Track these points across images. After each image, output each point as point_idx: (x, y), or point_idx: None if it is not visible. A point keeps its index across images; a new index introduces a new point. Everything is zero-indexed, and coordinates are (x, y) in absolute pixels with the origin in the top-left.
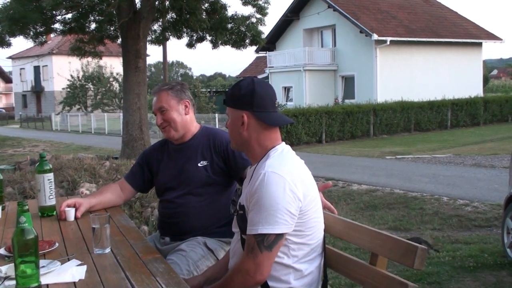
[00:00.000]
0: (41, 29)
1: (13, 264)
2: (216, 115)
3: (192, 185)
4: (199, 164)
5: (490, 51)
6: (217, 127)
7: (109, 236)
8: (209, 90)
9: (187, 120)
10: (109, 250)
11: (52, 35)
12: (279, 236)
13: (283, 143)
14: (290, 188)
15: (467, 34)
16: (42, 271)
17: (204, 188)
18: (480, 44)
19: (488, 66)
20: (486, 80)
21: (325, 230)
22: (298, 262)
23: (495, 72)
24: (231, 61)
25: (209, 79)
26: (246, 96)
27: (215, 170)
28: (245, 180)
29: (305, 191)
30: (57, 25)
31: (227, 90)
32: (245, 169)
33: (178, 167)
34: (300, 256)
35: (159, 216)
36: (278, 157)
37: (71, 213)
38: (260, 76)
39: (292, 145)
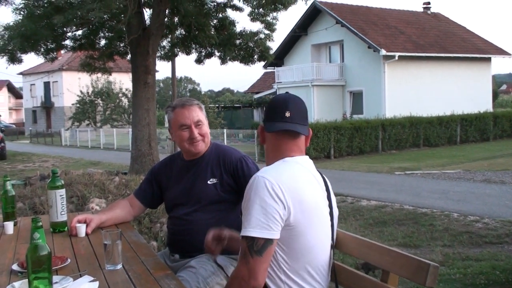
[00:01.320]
0: (52, 46)
1: (26, 280)
2: (225, 130)
3: (201, 202)
4: (208, 182)
5: (499, 66)
6: (225, 142)
7: (120, 252)
8: (217, 105)
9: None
10: (121, 266)
11: (62, 52)
12: (268, 241)
13: (300, 156)
14: (276, 193)
15: (476, 49)
16: (55, 287)
17: (213, 205)
18: (489, 59)
19: (497, 81)
20: (495, 95)
21: (334, 247)
22: (290, 280)
23: (504, 87)
24: (240, 77)
25: (217, 94)
26: (264, 111)
27: (224, 188)
28: None
29: (295, 201)
30: (67, 42)
31: (235, 105)
32: None
33: (188, 183)
34: (291, 272)
35: (168, 233)
36: (277, 165)
37: (82, 229)
38: (268, 92)
39: None
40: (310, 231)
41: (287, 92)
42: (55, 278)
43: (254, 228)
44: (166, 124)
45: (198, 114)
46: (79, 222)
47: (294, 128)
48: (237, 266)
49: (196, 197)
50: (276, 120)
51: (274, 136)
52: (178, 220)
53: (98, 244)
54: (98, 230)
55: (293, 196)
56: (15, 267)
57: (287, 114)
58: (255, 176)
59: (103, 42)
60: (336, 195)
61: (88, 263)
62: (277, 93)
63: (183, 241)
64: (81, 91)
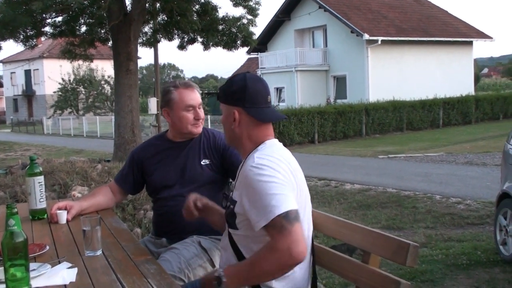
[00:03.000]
0: (31, 33)
1: (2, 268)
2: (209, 116)
3: (195, 183)
4: (202, 163)
5: (481, 49)
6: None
7: (100, 238)
8: (201, 92)
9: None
10: (101, 252)
11: (42, 39)
12: (297, 212)
13: (275, 139)
14: (283, 169)
15: (458, 33)
16: (32, 274)
17: (207, 186)
18: (470, 43)
19: (479, 64)
20: (477, 78)
21: (316, 229)
22: None
23: (486, 70)
24: (223, 63)
25: (201, 80)
26: (238, 92)
27: (215, 168)
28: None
29: (295, 180)
30: (47, 28)
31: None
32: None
33: (180, 165)
34: None
35: (154, 216)
36: (266, 149)
37: (62, 216)
38: None
39: (284, 145)
40: (302, 211)
41: (248, 72)
42: (33, 265)
43: (282, 203)
44: (152, 109)
45: (199, 96)
46: (60, 209)
47: (284, 117)
48: (276, 242)
49: (191, 178)
50: (262, 105)
51: (256, 122)
52: (168, 201)
53: (78, 231)
54: (79, 217)
55: (293, 174)
56: None
57: (269, 99)
58: (255, 163)
59: (83, 28)
60: (320, 179)
61: (68, 250)
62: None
63: (174, 222)
64: (62, 79)
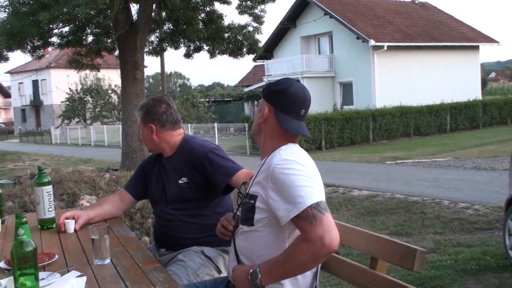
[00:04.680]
0: (38, 43)
1: (12, 277)
2: (215, 124)
3: (175, 201)
4: (180, 182)
5: (488, 54)
6: (216, 136)
7: (108, 247)
8: (207, 99)
9: (156, 141)
10: (109, 261)
11: (49, 49)
12: (325, 203)
13: (297, 144)
14: (309, 164)
15: (464, 37)
16: (41, 283)
17: (189, 203)
18: (477, 47)
19: (486, 69)
20: (484, 83)
21: None
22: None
23: (493, 75)
24: (229, 71)
25: (207, 89)
26: (277, 92)
27: (196, 186)
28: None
29: (318, 177)
30: (54, 39)
31: (225, 99)
32: (225, 183)
33: (163, 182)
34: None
35: (153, 228)
36: (291, 148)
37: (70, 225)
38: (258, 85)
39: None
40: None
41: (298, 80)
42: (42, 274)
43: (312, 194)
44: None
45: (138, 121)
46: (67, 218)
47: (308, 134)
48: (308, 232)
49: (171, 197)
50: (292, 116)
51: (279, 127)
52: (158, 217)
53: (86, 240)
54: (87, 226)
55: (317, 173)
56: (2, 264)
57: (302, 113)
58: (282, 158)
59: (90, 38)
60: (327, 185)
61: (76, 259)
62: None
63: (166, 236)
64: (70, 89)
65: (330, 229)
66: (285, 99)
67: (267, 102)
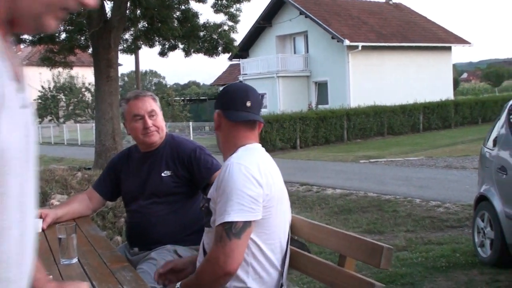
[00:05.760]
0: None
1: None
2: (190, 123)
3: (156, 194)
4: (162, 174)
5: (460, 55)
6: (191, 135)
7: (76, 246)
8: (183, 98)
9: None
10: (76, 260)
11: (21, 46)
12: (247, 223)
13: (256, 143)
14: (252, 175)
15: (437, 38)
16: None
17: (169, 197)
18: (449, 48)
19: (458, 69)
20: (456, 83)
21: (292, 233)
22: (256, 261)
23: (465, 75)
24: (205, 70)
25: (183, 87)
26: (220, 96)
27: (180, 180)
28: None
29: (269, 182)
30: (26, 36)
31: (201, 98)
32: (210, 178)
33: (143, 176)
34: (258, 255)
35: (126, 226)
36: (244, 151)
37: (37, 224)
38: None
39: (266, 151)
40: (277, 215)
41: (240, 81)
42: None
43: (236, 212)
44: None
45: (152, 104)
46: None
47: (258, 118)
48: (211, 251)
49: (151, 190)
50: (238, 109)
51: (233, 124)
52: (136, 213)
53: (53, 239)
54: (55, 225)
55: (268, 179)
56: None
57: (248, 104)
58: (229, 164)
59: (63, 35)
60: (301, 184)
61: (43, 258)
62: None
63: (141, 234)
64: (42, 86)
65: (231, 258)
66: (227, 97)
67: (215, 109)
